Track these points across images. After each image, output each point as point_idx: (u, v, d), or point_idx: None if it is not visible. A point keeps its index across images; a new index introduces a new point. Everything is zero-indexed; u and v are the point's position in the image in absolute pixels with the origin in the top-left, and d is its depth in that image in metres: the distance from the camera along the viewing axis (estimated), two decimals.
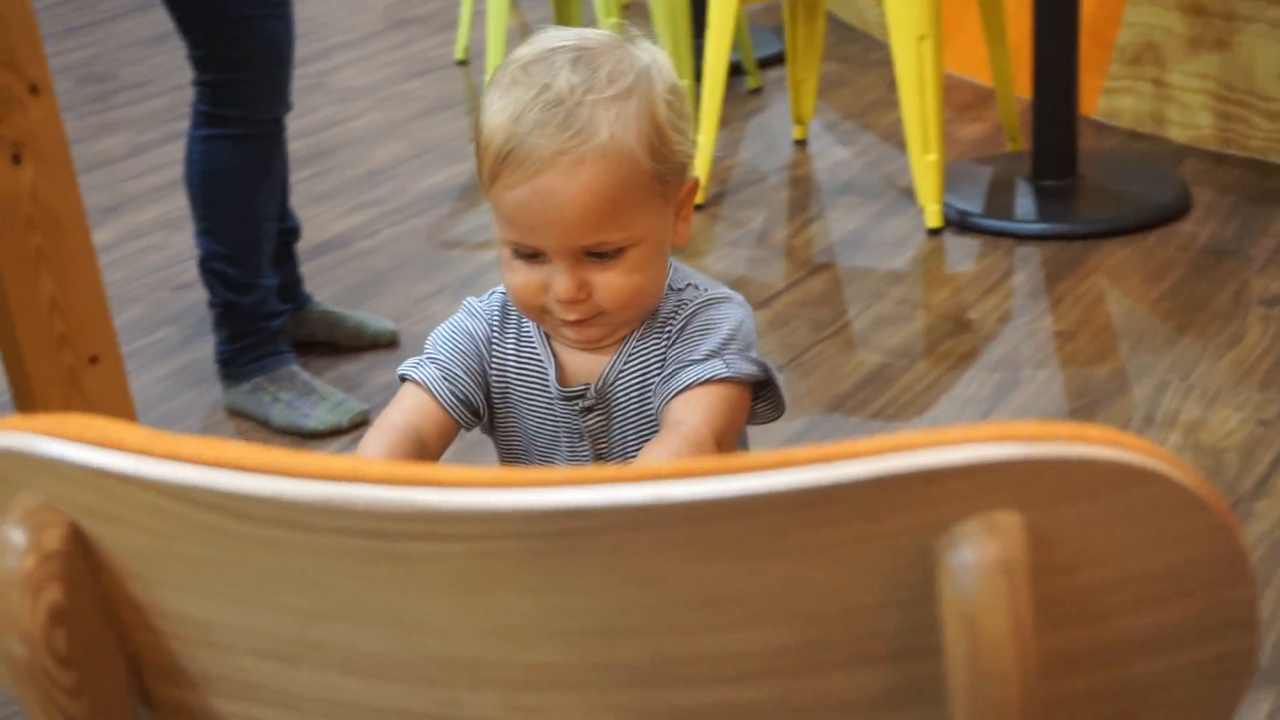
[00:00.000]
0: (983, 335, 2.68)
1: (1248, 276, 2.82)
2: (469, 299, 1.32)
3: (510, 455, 1.33)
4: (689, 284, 1.27)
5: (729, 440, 1.21)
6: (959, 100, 3.82)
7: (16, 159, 1.93)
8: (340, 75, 4.47)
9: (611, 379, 1.26)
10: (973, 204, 3.14)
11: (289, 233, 2.65)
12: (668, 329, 1.25)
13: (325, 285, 2.99)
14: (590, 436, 1.29)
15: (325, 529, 0.66)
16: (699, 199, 3.19)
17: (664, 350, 1.25)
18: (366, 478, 0.64)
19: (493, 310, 1.30)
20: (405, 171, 3.64)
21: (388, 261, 3.15)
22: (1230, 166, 3.31)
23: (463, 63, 4.50)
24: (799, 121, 3.62)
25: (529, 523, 0.64)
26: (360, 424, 2.48)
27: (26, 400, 2.01)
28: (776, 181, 3.45)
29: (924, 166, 3.04)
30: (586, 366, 1.27)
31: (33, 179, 1.95)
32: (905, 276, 2.93)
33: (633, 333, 1.26)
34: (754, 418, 1.26)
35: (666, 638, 0.67)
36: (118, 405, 2.11)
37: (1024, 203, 3.17)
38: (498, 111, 1.17)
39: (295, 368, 2.55)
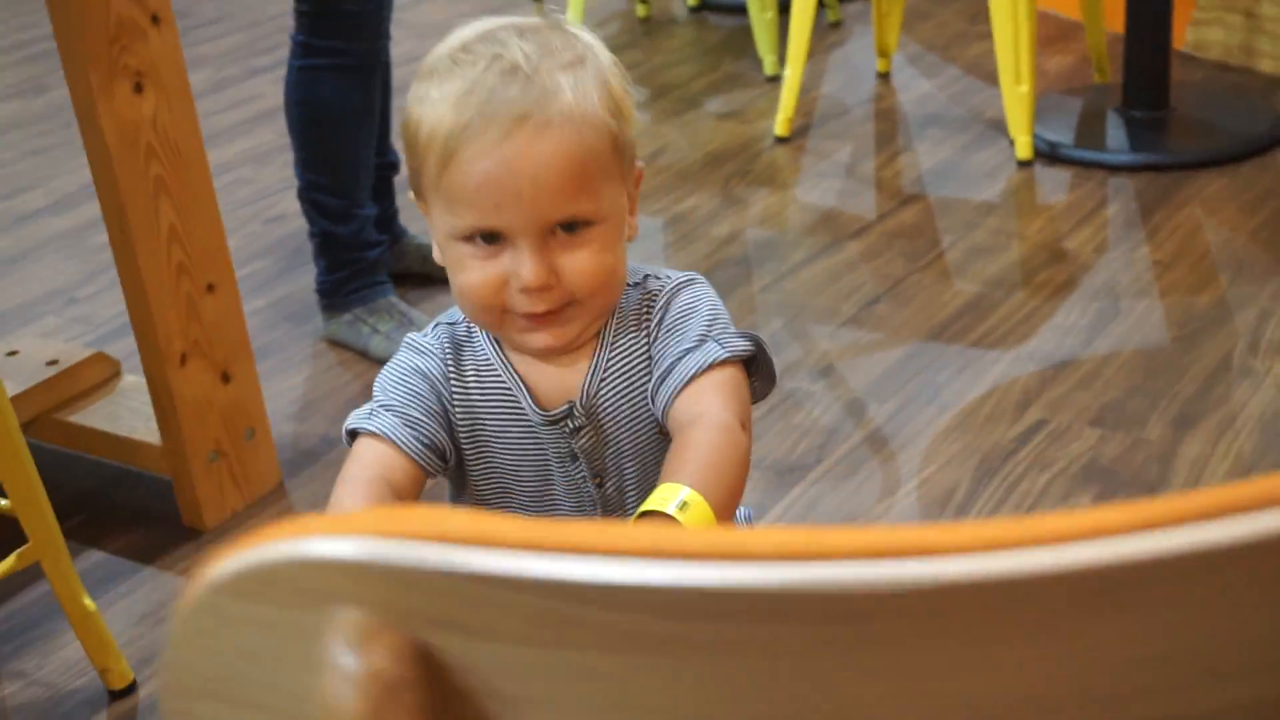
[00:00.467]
0: (1079, 265, 2.67)
1: None
2: (410, 337, 1.21)
3: (488, 497, 1.23)
4: (646, 275, 1.20)
5: (749, 423, 1.13)
6: (1043, 33, 3.78)
7: (139, 88, 1.95)
8: (418, 10, 4.47)
9: (594, 390, 1.17)
10: (1063, 135, 3.12)
11: (388, 166, 2.66)
12: (644, 324, 1.18)
13: (417, 218, 3.00)
14: (585, 456, 1.19)
15: (781, 618, 0.51)
16: (783, 131, 3.22)
17: (646, 347, 1.18)
18: (831, 551, 0.49)
19: (442, 344, 1.19)
20: None
21: None
22: None
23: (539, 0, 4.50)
24: (883, 54, 3.60)
25: (1051, 585, 0.50)
26: None
27: (146, 326, 2.03)
28: (861, 114, 3.43)
29: (1016, 97, 3.02)
30: (560, 383, 1.18)
31: (154, 108, 1.97)
32: (998, 207, 2.91)
33: (601, 336, 1.17)
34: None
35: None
36: (234, 333, 2.14)
37: (1115, 134, 3.14)
38: (442, 97, 1.09)
39: (394, 299, 2.57)
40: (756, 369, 1.17)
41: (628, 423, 1.19)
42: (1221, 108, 3.24)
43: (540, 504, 1.22)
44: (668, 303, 1.18)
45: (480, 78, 1.08)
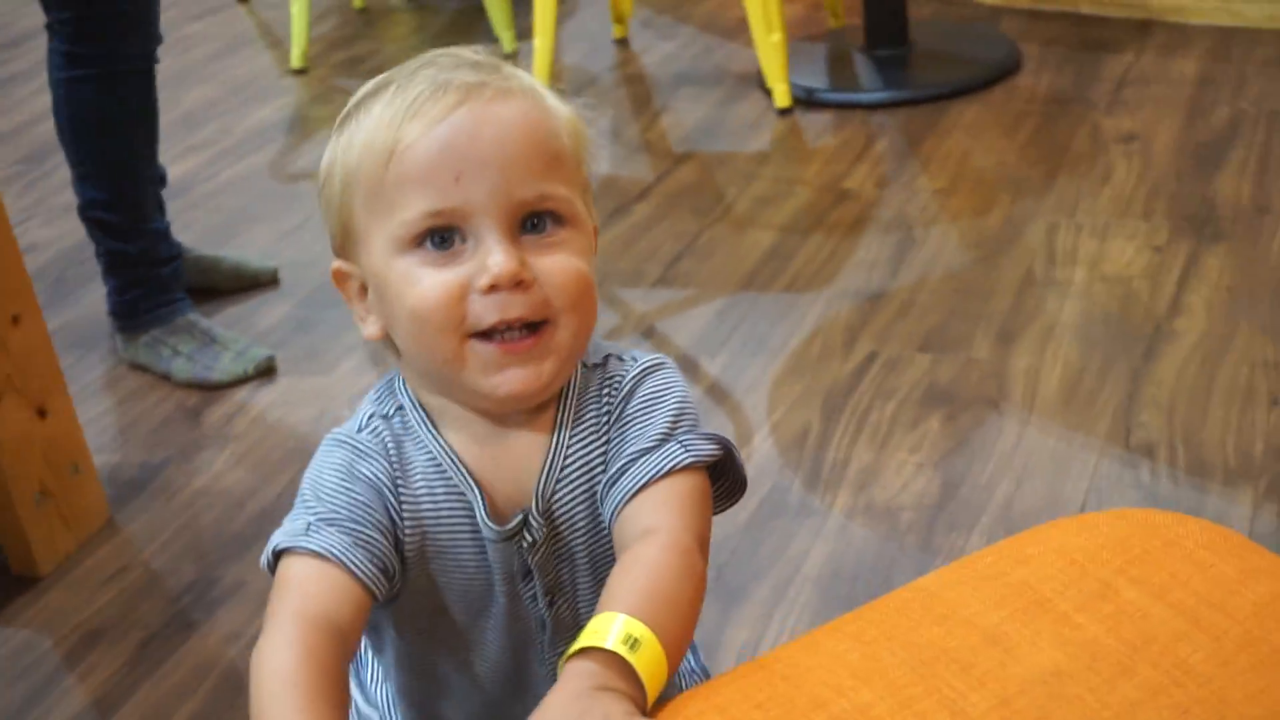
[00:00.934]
0: (865, 202, 2.70)
1: (1096, 119, 2.91)
2: (339, 434, 1.00)
3: (415, 620, 1.04)
4: (608, 355, 1.03)
5: (707, 545, 0.97)
6: None
7: None
8: None
9: (550, 492, 1.00)
10: (816, 81, 3.16)
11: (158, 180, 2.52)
12: (604, 413, 1.01)
13: (182, 230, 2.85)
14: (538, 572, 1.02)
15: None
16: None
17: (604, 438, 1.01)
18: None
19: (384, 442, 0.99)
20: (223, 112, 3.49)
21: (239, 199, 3.02)
22: (1046, 20, 3.40)
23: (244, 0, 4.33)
24: (619, 20, 3.59)
25: None
26: (266, 371, 2.37)
27: None
28: (610, 81, 3.41)
29: (769, 47, 3.04)
30: (514, 482, 1.00)
31: None
32: (771, 156, 2.93)
33: (557, 419, 1.00)
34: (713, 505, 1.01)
35: None
36: (45, 365, 2.01)
37: (865, 74, 3.20)
38: (381, 112, 0.95)
39: (194, 316, 2.43)
40: (722, 475, 1.01)
41: (586, 530, 1.01)
42: (958, 39, 3.33)
43: (475, 627, 1.04)
44: (631, 390, 1.01)
45: (428, 83, 0.94)
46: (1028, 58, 3.20)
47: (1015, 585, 0.92)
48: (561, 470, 1.00)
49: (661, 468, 0.97)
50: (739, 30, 3.51)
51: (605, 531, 1.01)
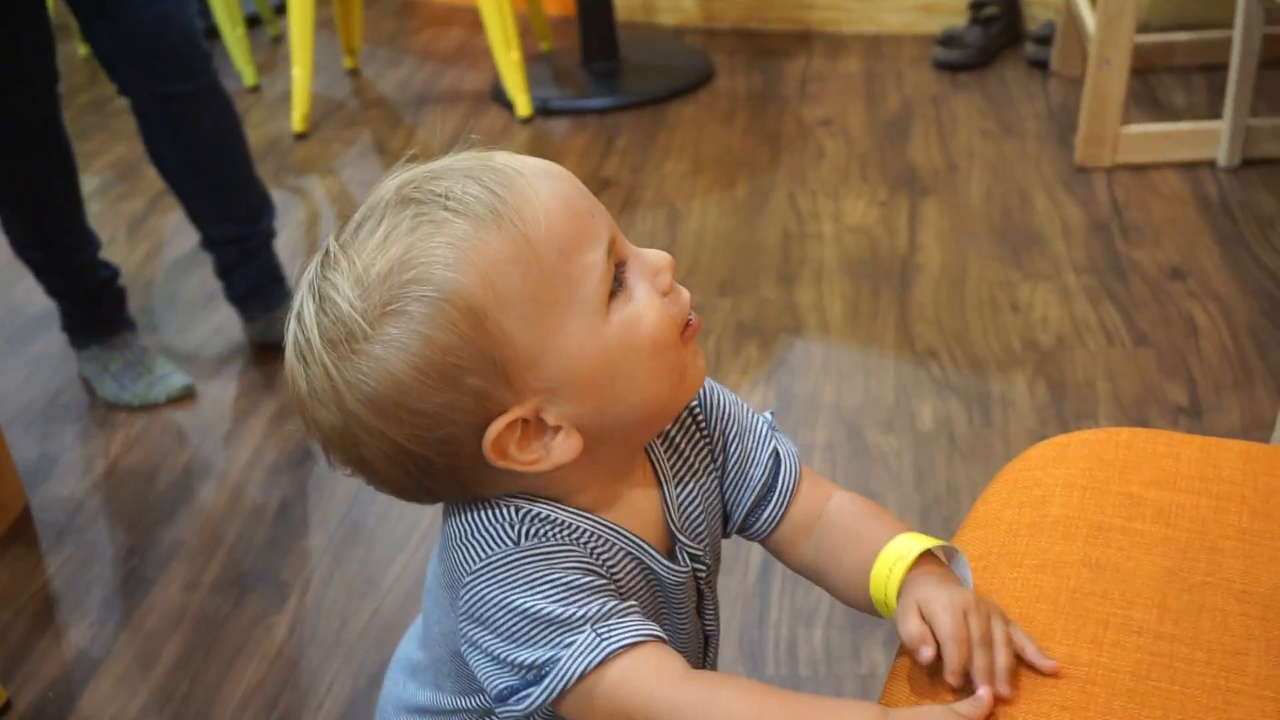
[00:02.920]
0: (627, 186, 2.93)
1: (794, 109, 3.23)
2: (526, 551, 0.84)
3: None
4: None
5: None
6: (476, 18, 4.01)
7: None
8: None
9: (684, 521, 0.96)
10: (547, 92, 3.36)
11: None
12: (696, 427, 0.98)
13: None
14: (709, 591, 0.99)
15: None
16: (302, 128, 3.25)
17: (706, 451, 0.98)
18: None
19: (551, 534, 0.86)
20: None
21: None
22: (722, 36, 3.72)
23: None
24: (350, 52, 3.70)
25: None
26: (182, 398, 2.33)
27: None
28: (357, 105, 3.52)
29: (509, 64, 3.23)
30: (655, 527, 0.94)
31: None
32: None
33: (654, 458, 0.95)
34: None
35: None
36: None
37: (589, 84, 3.42)
38: (470, 233, 0.80)
39: (129, 335, 2.38)
40: None
41: (710, 530, 0.98)
42: (658, 53, 3.60)
43: None
44: (709, 404, 0.98)
45: (478, 183, 0.82)
46: (718, 66, 3.50)
47: (1060, 519, 0.98)
48: (681, 488, 0.96)
49: (792, 450, 1.00)
50: (457, 57, 3.69)
51: (717, 522, 0.99)
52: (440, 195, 0.81)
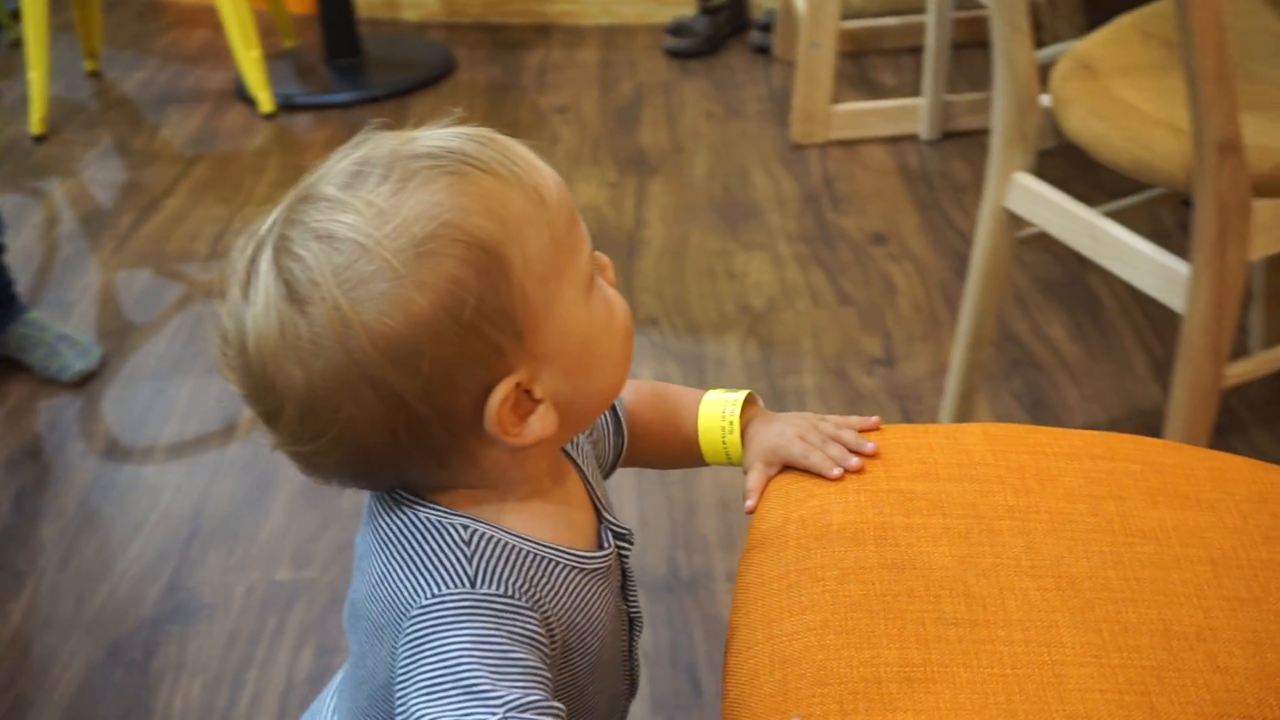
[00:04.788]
0: None
1: (531, 99, 3.33)
2: (479, 596, 0.79)
3: (561, 696, 0.84)
4: None
5: None
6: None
7: None
8: None
9: (604, 496, 0.95)
10: (291, 89, 3.40)
11: None
12: None
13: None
14: (629, 572, 0.97)
15: None
16: (40, 130, 3.22)
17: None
18: None
19: (512, 582, 0.81)
20: None
21: None
22: (463, 30, 3.79)
23: None
24: (90, 55, 3.67)
25: None
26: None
27: None
28: (98, 106, 3.50)
29: (249, 62, 3.26)
30: (586, 515, 0.93)
31: None
32: (272, 150, 3.15)
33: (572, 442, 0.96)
34: None
35: None
36: None
37: (332, 80, 3.47)
38: (486, 186, 0.78)
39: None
40: None
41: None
42: (400, 47, 3.66)
43: (598, 664, 0.91)
44: None
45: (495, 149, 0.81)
46: (460, 59, 3.58)
47: (845, 526, 1.02)
48: (593, 474, 0.95)
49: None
50: (201, 56, 3.69)
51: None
52: (453, 152, 0.79)
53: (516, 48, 3.64)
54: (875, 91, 3.17)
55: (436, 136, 0.80)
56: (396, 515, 0.83)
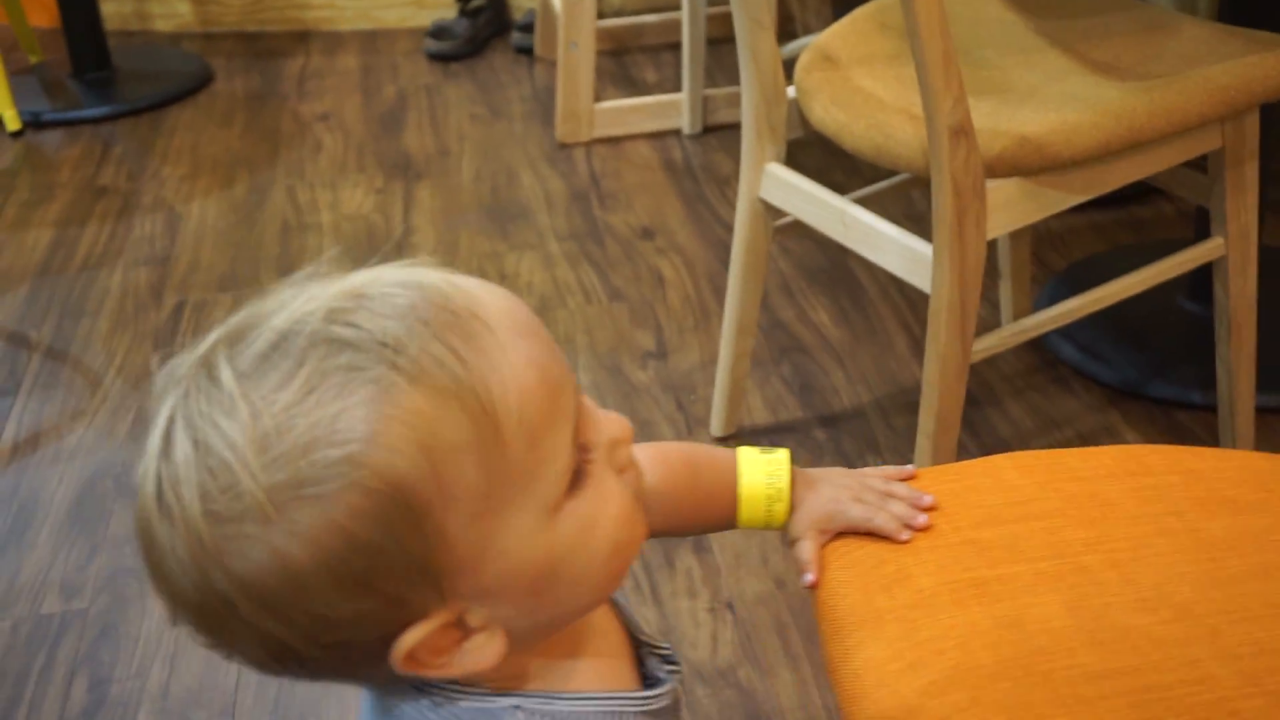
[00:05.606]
0: (125, 193, 2.91)
1: (292, 107, 3.29)
2: None
3: None
4: None
5: None
6: None
7: None
8: None
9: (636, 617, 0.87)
10: (38, 105, 3.29)
11: None
12: None
13: None
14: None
15: None
16: None
17: None
18: None
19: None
20: None
21: None
22: (220, 39, 3.73)
23: None
24: None
25: None
26: None
27: None
28: None
29: None
30: (612, 649, 0.83)
31: None
32: (20, 170, 3.04)
33: None
34: None
35: None
36: None
37: (82, 95, 3.37)
38: (401, 402, 0.64)
39: None
40: None
41: None
42: (153, 59, 3.58)
43: None
44: None
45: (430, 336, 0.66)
46: (218, 69, 3.52)
47: (937, 589, 0.97)
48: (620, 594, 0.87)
49: None
50: None
51: None
52: (384, 344, 0.64)
53: (275, 55, 3.60)
54: (637, 88, 3.21)
55: (382, 309, 0.65)
56: (433, 716, 0.71)
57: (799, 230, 1.92)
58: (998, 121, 1.58)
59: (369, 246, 2.63)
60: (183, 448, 0.64)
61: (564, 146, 2.98)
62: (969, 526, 1.02)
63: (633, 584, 1.81)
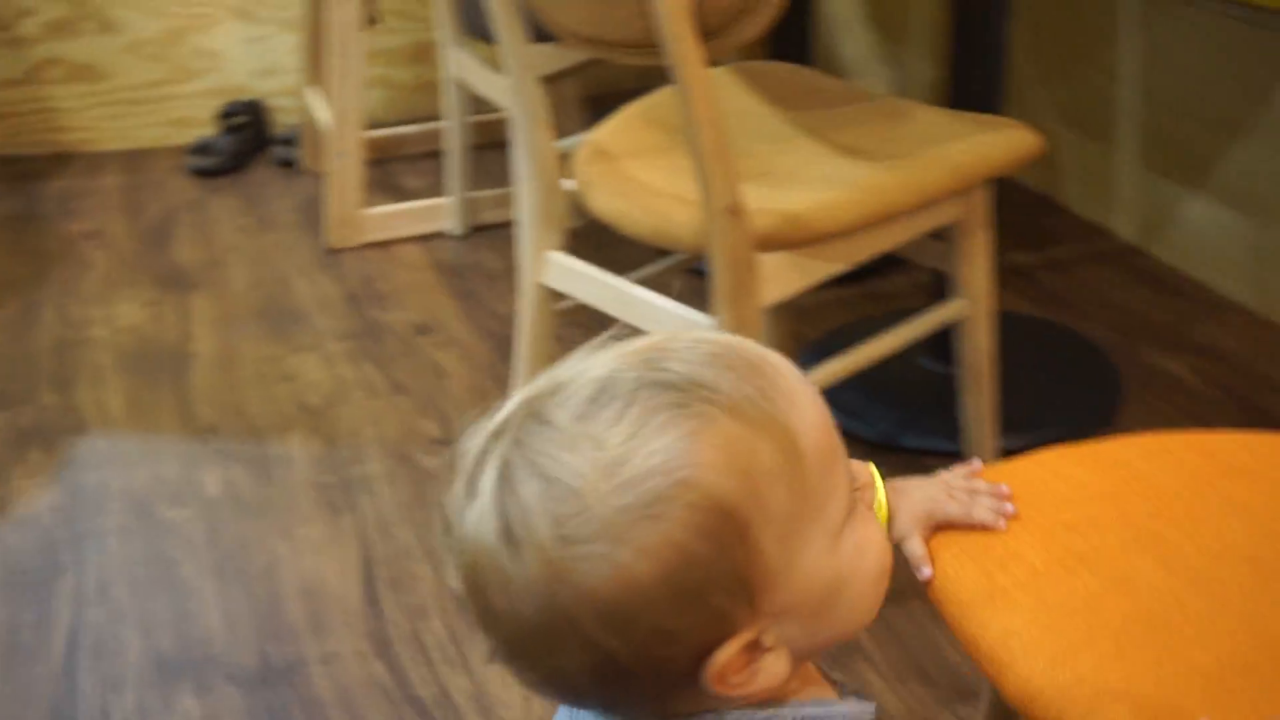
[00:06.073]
0: None
1: (57, 226, 3.24)
2: None
3: None
4: None
5: None
6: None
7: None
8: None
9: None
10: None
11: None
12: None
13: None
14: None
15: None
16: None
17: None
18: None
19: None
20: None
21: None
22: None
23: None
24: None
25: None
26: None
27: None
28: None
29: None
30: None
31: None
32: None
33: None
34: None
35: None
36: None
37: None
38: (732, 430, 0.72)
39: None
40: None
41: None
42: None
43: None
44: None
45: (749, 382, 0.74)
46: None
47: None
48: None
49: None
50: None
51: None
52: (700, 385, 0.72)
53: (35, 178, 3.53)
54: (401, 194, 3.27)
55: (690, 358, 0.73)
56: None
57: (576, 314, 2.00)
58: (765, 201, 1.70)
59: (148, 357, 2.61)
60: (528, 484, 0.71)
61: (334, 252, 3.01)
62: (1051, 511, 1.14)
63: (442, 656, 1.84)
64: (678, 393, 0.72)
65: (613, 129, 2.00)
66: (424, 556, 2.03)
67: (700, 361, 0.73)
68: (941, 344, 2.28)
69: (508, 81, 1.94)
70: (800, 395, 0.75)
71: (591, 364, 0.75)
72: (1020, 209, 1.86)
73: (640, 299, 1.83)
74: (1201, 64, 2.62)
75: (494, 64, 2.81)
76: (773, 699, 0.77)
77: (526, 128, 1.91)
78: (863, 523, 0.78)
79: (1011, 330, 2.28)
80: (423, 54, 3.61)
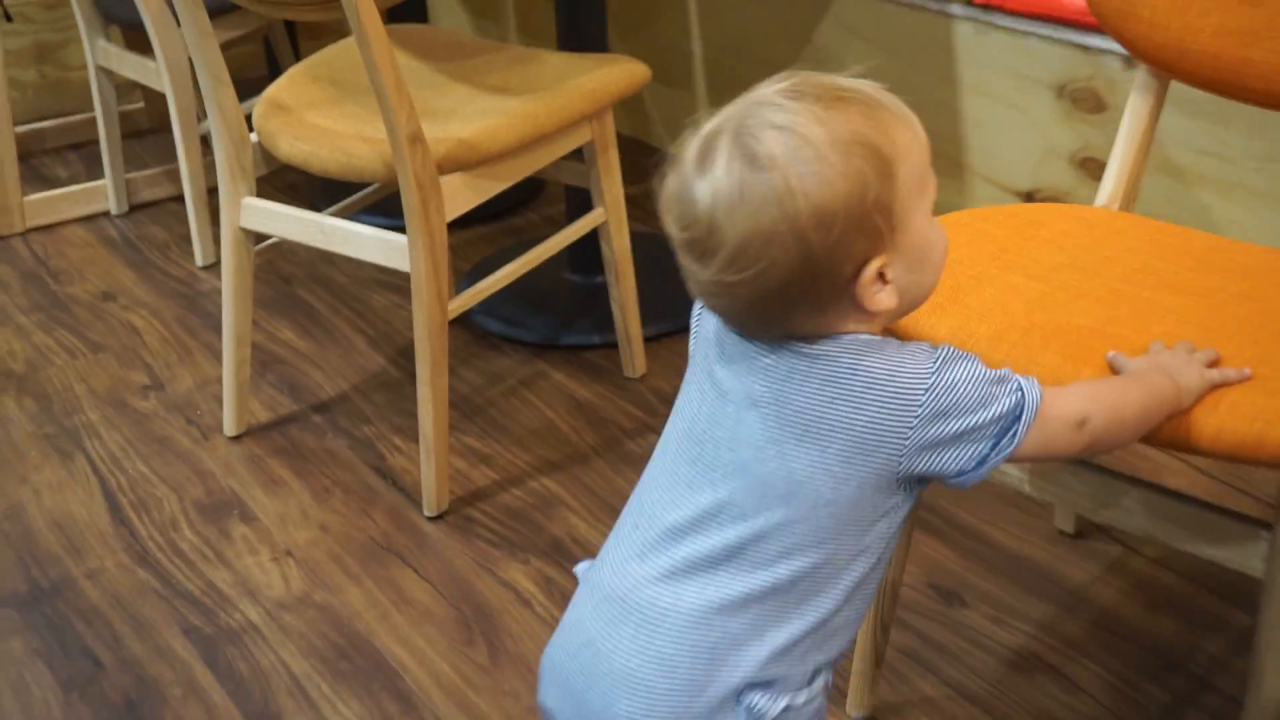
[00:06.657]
0: None
1: None
2: (949, 352, 1.09)
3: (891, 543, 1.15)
4: None
5: None
6: None
7: None
8: None
9: None
10: None
11: None
12: None
13: None
14: None
15: None
16: None
17: None
18: None
19: None
20: None
21: None
22: None
23: None
24: None
25: None
26: None
27: None
28: None
29: None
30: None
31: None
32: None
33: None
34: None
35: None
36: None
37: None
38: (893, 128, 1.05)
39: None
40: None
41: None
42: None
43: None
44: None
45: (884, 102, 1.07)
46: None
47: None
48: None
49: None
50: None
51: None
52: (862, 92, 1.05)
53: None
54: (53, 183, 3.35)
55: (849, 81, 1.06)
56: (831, 347, 1.07)
57: (273, 252, 2.22)
58: (438, 132, 1.99)
59: None
60: (766, 133, 1.02)
61: (2, 239, 3.09)
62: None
63: (200, 556, 2.05)
64: (850, 92, 1.05)
65: (284, 86, 2.24)
66: (161, 482, 2.22)
67: (858, 82, 1.07)
68: (580, 258, 2.63)
69: (167, 56, 2.13)
70: (910, 115, 1.07)
71: (780, 81, 1.07)
72: (620, 151, 2.22)
73: (339, 228, 2.08)
74: (753, 16, 3.06)
75: (139, 48, 2.97)
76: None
77: (210, 85, 2.12)
78: (935, 220, 1.11)
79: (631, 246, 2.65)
80: (45, 54, 3.68)
